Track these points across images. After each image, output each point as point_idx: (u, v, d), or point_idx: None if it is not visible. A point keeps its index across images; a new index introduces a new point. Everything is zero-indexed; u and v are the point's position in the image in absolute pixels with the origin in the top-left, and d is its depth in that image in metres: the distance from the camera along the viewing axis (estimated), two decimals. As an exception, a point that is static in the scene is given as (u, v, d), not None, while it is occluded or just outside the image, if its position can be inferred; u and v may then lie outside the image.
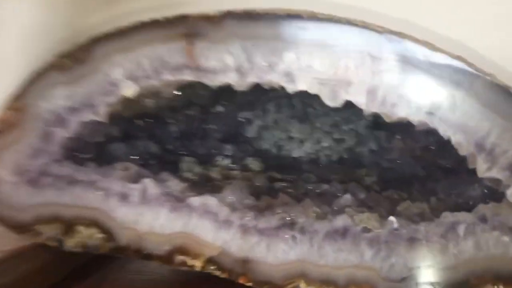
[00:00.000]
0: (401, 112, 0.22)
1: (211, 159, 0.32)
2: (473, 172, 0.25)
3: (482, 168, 0.22)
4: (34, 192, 0.28)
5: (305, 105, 0.32)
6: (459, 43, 0.21)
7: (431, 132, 0.27)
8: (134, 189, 0.27)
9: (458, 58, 0.21)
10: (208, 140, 0.33)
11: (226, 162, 0.32)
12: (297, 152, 0.33)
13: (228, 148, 0.32)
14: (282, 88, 0.24)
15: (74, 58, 0.27)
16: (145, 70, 0.26)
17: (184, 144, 0.33)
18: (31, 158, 0.28)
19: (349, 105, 0.29)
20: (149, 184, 0.27)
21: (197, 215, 0.26)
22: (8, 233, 0.28)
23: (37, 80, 0.28)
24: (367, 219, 0.24)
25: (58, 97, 0.27)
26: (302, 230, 0.25)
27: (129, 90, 0.26)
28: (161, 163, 0.30)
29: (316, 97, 0.25)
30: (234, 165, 0.31)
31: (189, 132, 0.33)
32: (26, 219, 0.28)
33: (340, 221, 0.24)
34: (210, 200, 0.26)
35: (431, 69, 0.22)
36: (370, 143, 0.31)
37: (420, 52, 0.22)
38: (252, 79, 0.24)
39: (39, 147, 0.28)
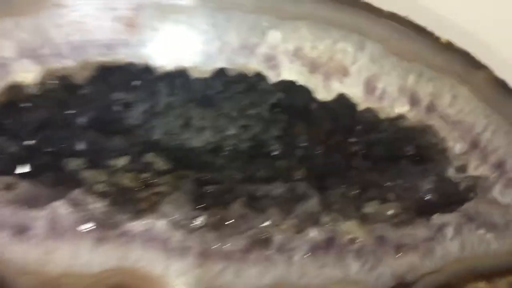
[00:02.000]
0: (401, 107, 0.20)
1: (100, 157, 0.24)
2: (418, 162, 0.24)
3: (473, 165, 0.21)
4: None
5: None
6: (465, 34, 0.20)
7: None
8: (37, 218, 0.19)
9: (464, 50, 0.20)
10: (79, 132, 0.25)
11: (122, 161, 0.24)
12: (194, 142, 0.27)
13: (118, 142, 0.25)
14: None
15: None
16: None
17: (47, 139, 0.24)
18: None
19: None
20: (59, 209, 0.19)
21: (139, 244, 0.20)
22: None
23: None
24: (351, 228, 0.21)
25: None
26: (280, 248, 0.21)
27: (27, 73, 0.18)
28: (38, 169, 0.22)
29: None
30: (135, 165, 0.25)
31: (52, 121, 0.25)
32: None
33: (322, 233, 0.21)
34: (154, 224, 0.20)
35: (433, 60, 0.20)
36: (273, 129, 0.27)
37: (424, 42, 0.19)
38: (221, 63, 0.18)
39: None
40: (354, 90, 0.19)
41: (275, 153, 0.27)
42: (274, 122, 0.26)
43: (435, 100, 0.20)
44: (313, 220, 0.22)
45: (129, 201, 0.22)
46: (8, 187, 0.20)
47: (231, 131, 0.27)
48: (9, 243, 0.19)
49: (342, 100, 0.21)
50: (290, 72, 0.19)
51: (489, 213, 0.22)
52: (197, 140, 0.27)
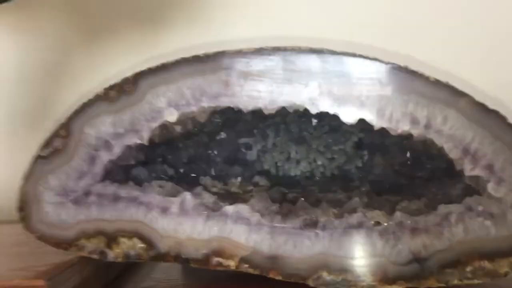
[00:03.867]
0: (405, 126, 0.29)
1: (225, 179, 0.38)
2: (449, 175, 0.32)
3: (468, 168, 0.29)
4: (78, 209, 0.33)
5: (301, 129, 0.38)
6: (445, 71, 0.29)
7: (405, 150, 0.35)
8: (174, 202, 0.32)
9: (447, 84, 0.29)
10: (214, 164, 0.39)
11: (238, 180, 0.38)
12: (294, 170, 0.39)
13: (237, 169, 0.38)
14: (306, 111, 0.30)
15: (120, 90, 0.32)
16: (186, 99, 0.31)
17: (192, 168, 0.39)
18: (76, 179, 0.33)
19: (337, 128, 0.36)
20: (187, 197, 0.32)
21: (231, 221, 0.32)
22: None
23: (83, 110, 0.33)
24: (377, 215, 0.31)
25: (104, 124, 0.32)
26: (324, 227, 0.31)
27: (171, 115, 0.32)
28: (182, 183, 0.36)
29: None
30: (246, 182, 0.37)
31: (197, 156, 0.39)
32: (70, 235, 0.33)
33: (355, 218, 0.31)
34: (242, 208, 0.32)
35: (425, 92, 0.29)
36: (356, 161, 0.38)
37: (418, 81, 0.29)
38: (280, 103, 0.30)
39: (84, 169, 0.33)
40: (370, 117, 0.29)
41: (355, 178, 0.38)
42: (357, 156, 0.38)
43: (430, 121, 0.29)
44: (351, 211, 0.32)
45: (230, 197, 0.35)
46: (161, 186, 0.34)
47: (321, 162, 0.39)
48: (157, 218, 0.32)
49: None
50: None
51: (487, 205, 0.29)
52: (295, 169, 0.39)
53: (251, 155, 0.37)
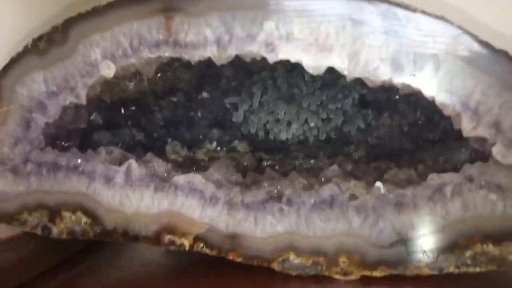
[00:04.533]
0: (384, 75, 0.23)
1: (198, 143, 0.32)
2: (459, 138, 0.26)
3: (468, 128, 0.22)
4: (17, 180, 0.29)
5: (290, 86, 0.32)
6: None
7: (418, 107, 0.28)
8: (118, 171, 0.28)
9: (441, 18, 0.22)
10: (195, 127, 0.34)
11: (213, 145, 0.32)
12: (284, 134, 0.33)
13: (215, 133, 0.33)
14: (263, 59, 0.24)
15: (49, 40, 0.27)
16: (124, 48, 0.26)
17: (170, 132, 0.34)
18: (12, 146, 0.29)
19: (334, 81, 0.30)
20: (133, 165, 0.28)
21: (183, 194, 0.27)
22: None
23: (12, 65, 0.28)
24: (354, 186, 0.25)
25: (35, 82, 0.28)
26: (290, 202, 0.25)
27: (109, 70, 0.27)
28: (146, 148, 0.31)
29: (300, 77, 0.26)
30: (220, 148, 0.32)
31: (175, 119, 0.34)
32: (11, 208, 0.29)
33: (327, 190, 0.25)
34: (195, 178, 0.27)
35: (413, 30, 0.22)
36: (357, 121, 0.32)
37: (402, 13, 0.22)
38: (232, 51, 0.25)
39: (19, 135, 0.29)
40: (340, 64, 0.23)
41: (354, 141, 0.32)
42: (359, 116, 0.32)
43: (417, 66, 0.22)
44: (325, 182, 0.26)
45: (190, 165, 0.30)
46: (109, 152, 0.29)
47: (314, 123, 0.33)
48: (101, 189, 0.28)
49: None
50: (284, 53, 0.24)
51: (492, 174, 0.23)
52: (287, 133, 0.34)
53: (238, 116, 0.32)
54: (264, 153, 0.30)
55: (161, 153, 0.30)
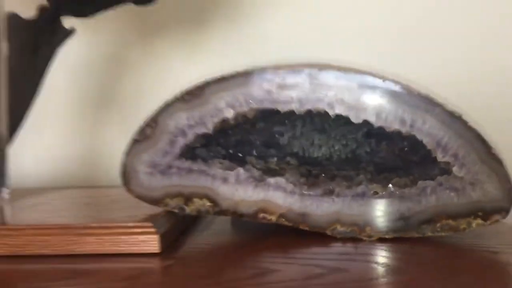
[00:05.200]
0: (396, 126, 0.42)
1: (264, 159, 0.50)
2: (434, 161, 0.45)
3: (440, 156, 0.42)
4: (164, 178, 0.47)
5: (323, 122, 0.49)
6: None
7: (404, 138, 0.47)
8: (231, 174, 0.46)
9: (426, 95, 0.41)
10: (255, 146, 0.51)
11: (275, 160, 0.50)
12: (316, 153, 0.51)
13: (272, 151, 0.51)
14: (326, 113, 0.43)
15: (191, 94, 0.46)
16: (240, 102, 0.45)
17: (239, 149, 0.51)
18: (162, 157, 0.47)
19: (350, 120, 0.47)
20: (240, 171, 0.47)
21: (273, 189, 0.46)
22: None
23: (165, 107, 0.46)
24: (376, 187, 0.44)
25: (181, 118, 0.46)
26: (338, 195, 0.45)
27: (229, 113, 0.45)
28: (235, 161, 0.48)
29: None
30: (280, 161, 0.50)
31: (242, 141, 0.49)
32: (159, 195, 0.47)
33: (360, 189, 0.44)
34: (279, 180, 0.46)
35: (409, 100, 0.41)
36: (365, 147, 0.50)
37: (399, 88, 0.41)
38: (307, 107, 0.44)
39: (166, 150, 0.47)
40: (371, 118, 0.42)
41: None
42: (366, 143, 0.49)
43: (414, 122, 0.42)
44: (358, 184, 0.45)
45: (270, 172, 0.49)
46: (221, 163, 0.48)
47: (337, 147, 0.51)
48: (220, 185, 0.46)
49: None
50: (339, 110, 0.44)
51: (452, 182, 0.43)
52: (317, 152, 0.52)
53: (283, 140, 0.50)
54: (307, 165, 0.49)
55: (248, 163, 0.48)
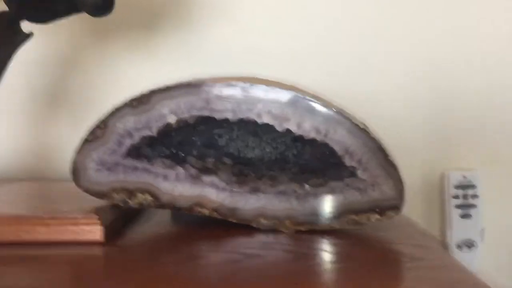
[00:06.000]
0: (312, 134, 0.51)
1: (203, 158, 0.57)
2: (343, 165, 0.53)
3: (347, 162, 0.51)
4: (110, 174, 0.53)
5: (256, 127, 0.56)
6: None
7: (320, 146, 0.55)
8: (172, 173, 0.54)
9: (338, 109, 0.50)
10: (197, 147, 0.58)
11: (212, 159, 0.58)
12: (250, 154, 0.59)
13: (211, 152, 0.58)
14: (255, 121, 0.51)
15: (139, 101, 0.52)
16: (182, 109, 0.52)
17: (182, 149, 0.58)
18: (109, 155, 0.53)
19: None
20: (179, 170, 0.54)
21: (207, 186, 0.53)
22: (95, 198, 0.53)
23: (115, 111, 0.53)
24: (295, 186, 0.52)
25: (129, 121, 0.53)
26: (263, 192, 0.53)
27: (171, 119, 0.52)
28: (177, 160, 0.56)
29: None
30: (217, 161, 0.57)
31: (184, 141, 0.57)
32: (105, 190, 0.53)
33: (282, 187, 0.52)
34: (213, 178, 0.53)
35: (325, 113, 0.50)
36: (293, 150, 0.58)
37: (317, 103, 0.50)
38: (240, 116, 0.51)
39: (114, 149, 0.53)
40: (293, 128, 0.51)
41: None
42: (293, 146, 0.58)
43: (327, 132, 0.50)
44: (281, 183, 0.53)
45: (207, 171, 0.56)
46: (163, 162, 0.55)
47: (268, 149, 0.59)
48: (161, 182, 0.53)
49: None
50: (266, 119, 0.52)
51: (357, 183, 0.51)
52: (251, 154, 0.60)
53: (222, 141, 0.57)
54: (241, 165, 0.57)
55: (187, 162, 0.55)
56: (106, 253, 0.43)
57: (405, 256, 0.38)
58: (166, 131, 0.49)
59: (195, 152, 0.53)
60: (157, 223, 0.54)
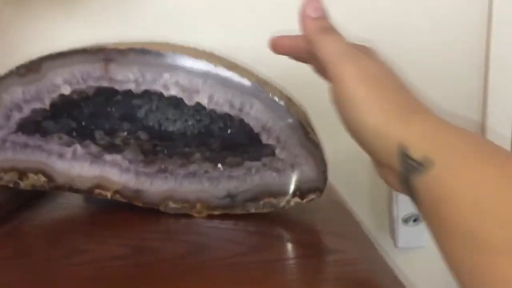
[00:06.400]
0: (226, 109, 0.45)
1: (115, 132, 0.52)
2: (261, 143, 0.48)
3: (264, 139, 0.45)
4: None
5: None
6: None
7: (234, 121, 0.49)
8: (68, 150, 0.47)
9: (256, 79, 0.44)
10: (111, 119, 0.53)
11: (125, 134, 0.52)
12: (171, 127, 0.54)
13: (125, 125, 0.53)
14: (161, 94, 0.45)
15: (28, 69, 0.45)
16: (77, 79, 0.45)
17: (93, 122, 0.52)
18: None
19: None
20: (78, 148, 0.47)
21: (109, 166, 0.47)
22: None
23: (0, 80, 0.46)
24: (207, 166, 0.47)
25: (16, 92, 0.46)
26: (171, 173, 0.47)
27: (66, 90, 0.46)
28: (81, 135, 0.50)
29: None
30: (130, 136, 0.52)
31: (97, 113, 0.52)
32: None
33: (192, 167, 0.47)
34: (116, 157, 0.47)
35: (239, 85, 0.44)
36: (219, 123, 0.53)
37: (230, 73, 0.44)
38: (144, 87, 0.45)
39: (1, 124, 0.46)
40: (204, 101, 0.45)
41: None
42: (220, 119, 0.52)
43: (242, 106, 0.45)
44: (192, 162, 0.48)
45: (112, 148, 0.50)
46: (60, 138, 0.48)
47: (191, 122, 0.54)
48: (56, 161, 0.47)
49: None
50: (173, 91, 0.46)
51: (275, 163, 0.46)
52: (172, 127, 0.54)
53: (140, 113, 0.51)
54: (158, 140, 0.51)
55: (92, 138, 0.49)
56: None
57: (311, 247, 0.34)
58: (66, 101, 0.43)
59: (107, 126, 0.47)
60: (56, 208, 0.48)
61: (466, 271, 0.24)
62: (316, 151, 0.43)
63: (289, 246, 0.37)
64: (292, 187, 0.43)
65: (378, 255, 0.36)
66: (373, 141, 0.31)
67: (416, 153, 0.28)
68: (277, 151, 0.43)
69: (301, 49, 0.38)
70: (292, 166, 0.43)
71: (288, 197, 0.44)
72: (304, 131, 0.42)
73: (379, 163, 0.33)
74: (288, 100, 0.43)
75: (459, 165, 0.26)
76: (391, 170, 0.31)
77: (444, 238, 0.26)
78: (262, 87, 0.42)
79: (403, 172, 0.29)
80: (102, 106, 0.47)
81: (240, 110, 0.42)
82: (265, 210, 0.44)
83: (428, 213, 0.27)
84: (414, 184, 0.28)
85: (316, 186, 0.43)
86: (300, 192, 0.43)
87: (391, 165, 0.30)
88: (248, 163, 0.43)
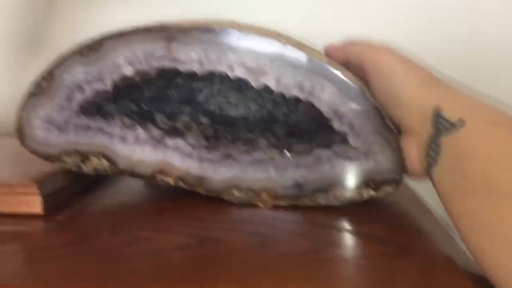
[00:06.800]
0: (295, 92, 0.42)
1: (176, 116, 0.49)
2: (333, 130, 0.44)
3: (337, 126, 0.42)
4: (60, 134, 0.46)
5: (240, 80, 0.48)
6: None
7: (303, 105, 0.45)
8: (130, 134, 0.46)
9: (327, 61, 0.41)
10: (171, 103, 0.50)
11: (187, 118, 0.49)
12: (233, 112, 0.50)
13: (186, 108, 0.50)
14: (226, 75, 0.42)
15: (89, 47, 0.44)
16: (139, 59, 0.43)
17: (154, 105, 0.50)
18: (58, 112, 0.45)
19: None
20: (139, 131, 0.46)
21: (171, 150, 0.45)
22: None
23: (62, 60, 0.45)
24: (273, 153, 0.44)
25: (78, 72, 0.44)
26: (236, 160, 0.44)
27: (128, 71, 0.44)
28: (142, 119, 0.48)
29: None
30: (191, 120, 0.49)
31: (158, 96, 0.50)
32: (55, 152, 0.46)
33: (258, 155, 0.44)
34: (178, 142, 0.45)
35: (310, 66, 0.41)
36: (283, 108, 0.49)
37: (300, 54, 0.41)
38: (208, 68, 0.42)
39: (63, 105, 0.45)
40: (271, 83, 0.42)
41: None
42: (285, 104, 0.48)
43: (313, 89, 0.41)
44: (257, 149, 0.45)
45: (174, 132, 0.48)
46: (122, 121, 0.46)
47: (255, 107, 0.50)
48: (118, 144, 0.45)
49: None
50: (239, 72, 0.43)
51: (347, 151, 0.43)
52: (234, 112, 0.51)
53: (201, 96, 0.48)
54: (219, 125, 0.48)
55: (154, 122, 0.47)
56: (41, 228, 0.37)
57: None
58: (128, 83, 0.41)
59: (168, 109, 0.45)
60: (116, 193, 0.46)
61: (485, 224, 0.26)
62: (393, 139, 0.39)
63: (365, 243, 0.33)
64: (365, 178, 0.39)
65: (465, 256, 0.32)
66: (411, 105, 0.35)
67: (451, 114, 0.32)
68: (350, 138, 0.39)
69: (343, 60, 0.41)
70: (366, 155, 0.39)
71: (360, 189, 0.40)
72: (381, 116, 0.38)
73: (409, 131, 0.36)
74: (361, 84, 0.38)
75: (487, 126, 0.29)
76: (418, 136, 0.35)
77: (464, 193, 0.29)
78: (335, 68, 0.38)
79: (434, 133, 0.33)
80: (162, 89, 0.45)
81: (311, 93, 0.39)
82: (335, 202, 0.40)
83: (451, 168, 0.30)
84: (441, 143, 0.32)
85: (392, 178, 0.39)
86: (375, 184, 0.39)
87: (422, 128, 0.34)
88: (317, 151, 0.40)
